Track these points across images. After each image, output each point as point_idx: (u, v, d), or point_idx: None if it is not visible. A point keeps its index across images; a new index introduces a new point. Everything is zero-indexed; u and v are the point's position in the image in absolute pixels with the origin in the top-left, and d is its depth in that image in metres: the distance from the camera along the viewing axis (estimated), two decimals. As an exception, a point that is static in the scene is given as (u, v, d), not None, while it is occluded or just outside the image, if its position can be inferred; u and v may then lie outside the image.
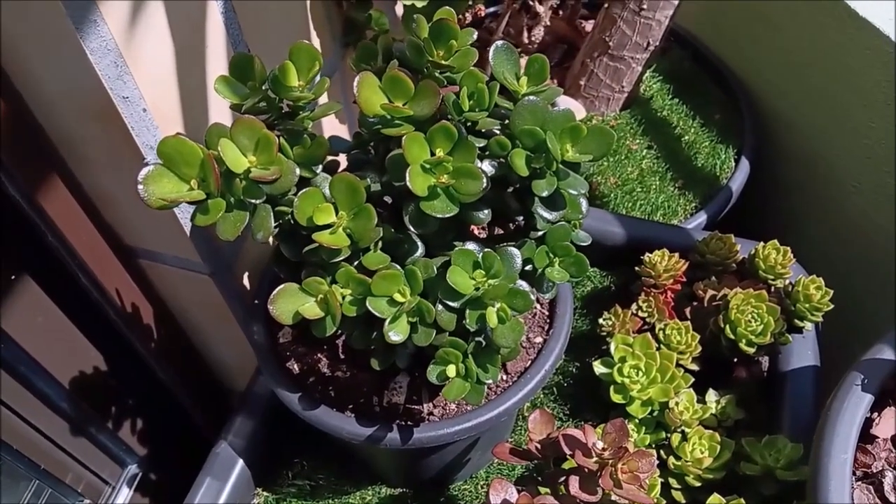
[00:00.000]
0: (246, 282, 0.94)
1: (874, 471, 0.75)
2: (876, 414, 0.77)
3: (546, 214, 0.68)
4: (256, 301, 0.86)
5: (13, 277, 0.81)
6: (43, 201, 0.79)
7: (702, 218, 1.16)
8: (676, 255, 1.00)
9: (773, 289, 0.97)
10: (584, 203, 0.70)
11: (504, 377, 0.80)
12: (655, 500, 0.82)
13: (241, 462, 0.95)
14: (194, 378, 1.14)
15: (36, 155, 0.78)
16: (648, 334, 0.93)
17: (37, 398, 0.90)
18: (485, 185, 0.62)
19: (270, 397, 0.85)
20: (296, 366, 0.82)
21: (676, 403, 0.89)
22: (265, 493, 0.98)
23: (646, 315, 0.98)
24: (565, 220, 0.71)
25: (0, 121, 0.71)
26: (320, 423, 0.77)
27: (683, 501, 0.85)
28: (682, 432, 0.88)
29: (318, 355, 0.82)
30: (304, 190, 0.64)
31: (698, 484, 0.85)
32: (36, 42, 0.65)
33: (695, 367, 0.94)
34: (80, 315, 0.91)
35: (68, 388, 0.93)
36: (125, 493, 1.07)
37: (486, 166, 0.68)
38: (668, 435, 0.90)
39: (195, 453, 1.04)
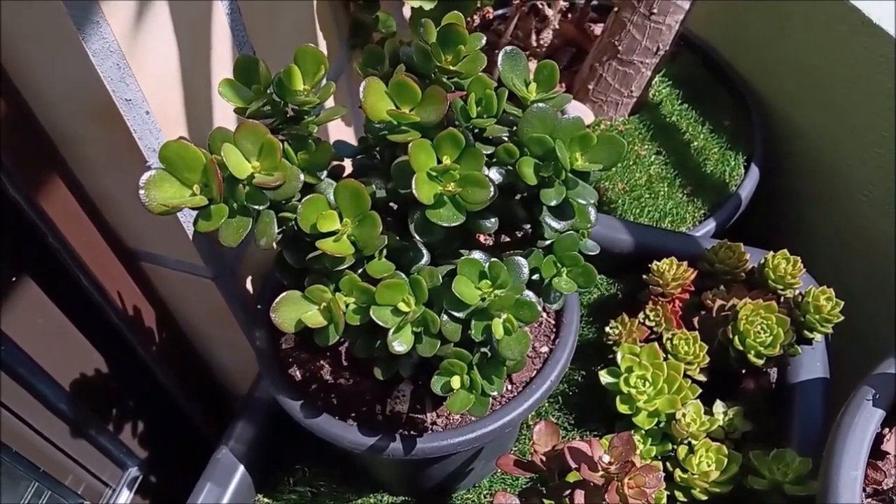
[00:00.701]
0: (249, 286, 0.93)
1: (885, 488, 0.74)
2: (887, 430, 0.76)
3: (554, 224, 0.67)
4: (259, 306, 0.85)
5: (14, 279, 0.81)
6: (44, 202, 0.79)
7: (710, 225, 1.14)
8: (685, 263, 0.98)
9: (782, 299, 0.96)
10: (592, 212, 0.69)
11: (509, 387, 0.79)
12: (661, 514, 0.81)
13: (241, 468, 0.94)
14: (195, 381, 1.13)
15: (37, 156, 0.77)
16: (656, 344, 0.92)
17: (37, 400, 0.89)
18: (492, 193, 0.61)
19: (272, 403, 0.84)
20: (298, 372, 0.81)
21: (683, 415, 0.88)
22: (266, 500, 0.97)
23: (653, 324, 0.97)
24: (573, 229, 0.70)
25: (1, 121, 0.71)
26: (322, 431, 0.76)
27: (689, 515, 0.84)
28: (689, 444, 0.87)
29: (321, 362, 0.81)
30: (308, 196, 0.63)
31: (705, 497, 0.84)
32: (37, 42, 0.64)
33: (702, 378, 0.93)
34: (81, 317, 0.90)
35: (69, 390, 0.92)
36: (125, 496, 1.07)
37: (494, 174, 0.67)
38: (675, 447, 0.88)
39: (196, 456, 1.04)
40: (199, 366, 1.15)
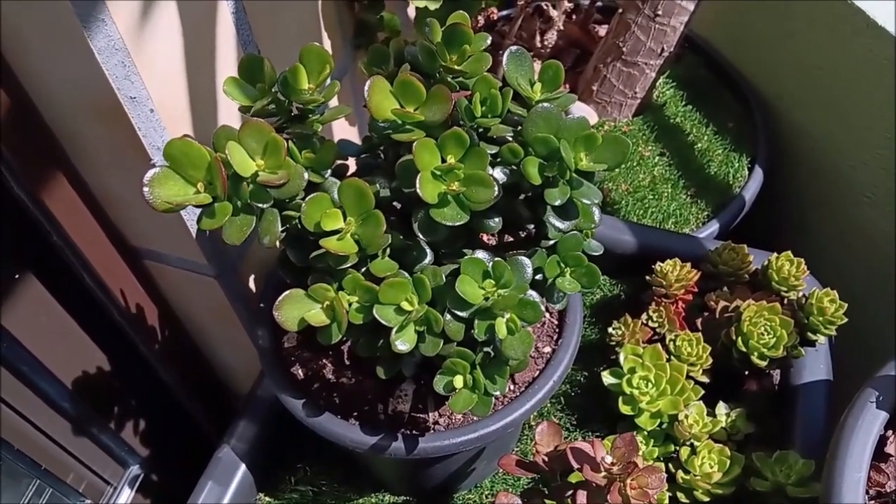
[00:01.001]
0: (251, 285, 0.93)
1: (888, 490, 0.73)
2: (890, 432, 0.75)
3: (558, 224, 0.67)
4: (262, 305, 0.85)
5: (17, 276, 0.81)
6: (48, 200, 0.79)
7: (714, 227, 1.14)
8: (688, 264, 0.98)
9: (785, 301, 0.96)
10: (596, 213, 0.69)
11: (511, 387, 0.79)
12: (663, 515, 0.81)
13: (243, 466, 0.94)
14: (197, 380, 1.13)
15: (41, 153, 0.77)
16: (659, 345, 0.91)
17: (39, 398, 0.89)
18: (496, 193, 0.61)
19: (274, 401, 0.84)
20: (300, 371, 0.81)
21: (686, 416, 0.88)
22: (267, 499, 0.96)
23: (656, 325, 0.97)
24: (577, 229, 0.70)
25: (6, 119, 0.71)
26: (324, 430, 0.76)
27: (691, 516, 0.84)
28: (692, 446, 0.87)
29: (323, 361, 0.81)
30: (312, 195, 0.63)
31: (707, 499, 0.84)
32: (42, 39, 0.64)
33: (705, 380, 0.92)
34: (83, 315, 0.90)
35: (71, 387, 0.92)
36: (127, 494, 1.07)
37: (498, 174, 0.66)
38: (677, 448, 0.88)
39: (197, 455, 1.04)
40: (201, 364, 1.15)
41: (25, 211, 0.78)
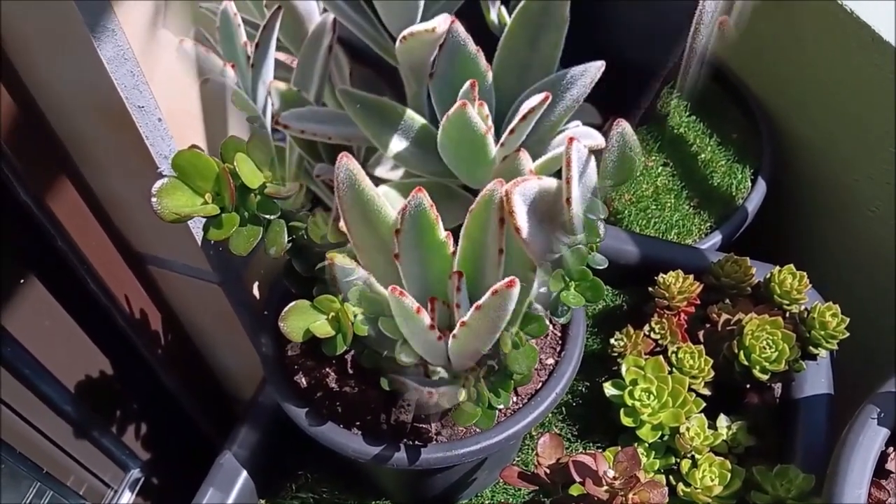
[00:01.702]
0: (255, 292, 0.93)
1: (888, 507, 0.74)
2: (891, 449, 0.76)
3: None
4: (266, 312, 0.85)
5: (21, 280, 0.81)
6: (53, 205, 0.79)
7: (716, 238, 1.14)
8: (691, 276, 0.98)
9: (787, 314, 0.96)
10: (601, 227, 0.69)
11: (514, 399, 0.79)
12: (663, 528, 0.81)
13: (244, 473, 0.94)
14: (200, 385, 1.13)
15: (46, 158, 0.77)
16: (661, 357, 0.91)
17: (41, 401, 0.89)
18: (503, 207, 0.61)
19: (276, 408, 0.85)
20: (303, 380, 0.81)
21: (687, 429, 0.88)
22: (268, 505, 0.97)
23: (658, 337, 0.97)
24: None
25: (11, 123, 0.71)
26: (326, 439, 0.76)
27: (691, 529, 0.84)
28: (693, 458, 0.87)
29: (327, 370, 0.81)
30: (318, 207, 0.63)
31: (707, 512, 0.84)
32: (51, 48, 0.65)
33: (706, 392, 0.92)
34: (87, 319, 0.91)
35: (73, 391, 0.93)
36: (127, 497, 1.07)
37: (504, 187, 0.66)
38: (678, 460, 0.88)
39: (199, 459, 1.04)
40: (204, 369, 1.15)
41: (30, 215, 0.78)
